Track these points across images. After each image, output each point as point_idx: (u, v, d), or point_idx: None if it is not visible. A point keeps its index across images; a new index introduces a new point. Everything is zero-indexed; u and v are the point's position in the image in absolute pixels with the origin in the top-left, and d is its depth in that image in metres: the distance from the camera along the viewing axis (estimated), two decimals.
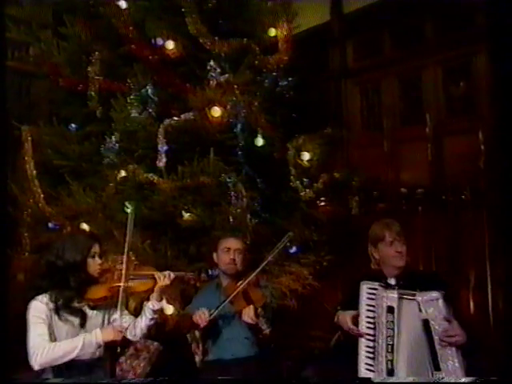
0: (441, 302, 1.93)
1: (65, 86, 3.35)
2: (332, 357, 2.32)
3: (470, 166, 3.18)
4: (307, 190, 3.14)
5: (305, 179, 3.18)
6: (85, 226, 2.93)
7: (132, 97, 3.03)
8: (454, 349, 1.89)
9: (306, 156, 3.21)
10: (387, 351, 1.98)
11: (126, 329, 1.94)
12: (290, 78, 3.36)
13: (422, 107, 3.48)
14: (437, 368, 1.89)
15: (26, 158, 3.06)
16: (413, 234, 3.30)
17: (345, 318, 2.10)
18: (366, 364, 2.03)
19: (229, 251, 2.43)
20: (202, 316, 2.22)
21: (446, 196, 3.26)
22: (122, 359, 3.07)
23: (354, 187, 3.36)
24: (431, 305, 1.93)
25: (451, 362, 1.89)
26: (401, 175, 3.55)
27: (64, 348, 1.77)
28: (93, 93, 3.09)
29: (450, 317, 1.92)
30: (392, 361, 1.96)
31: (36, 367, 1.76)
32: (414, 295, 1.97)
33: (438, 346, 1.91)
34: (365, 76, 3.80)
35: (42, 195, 3.06)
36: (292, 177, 3.13)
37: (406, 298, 1.99)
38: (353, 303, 2.13)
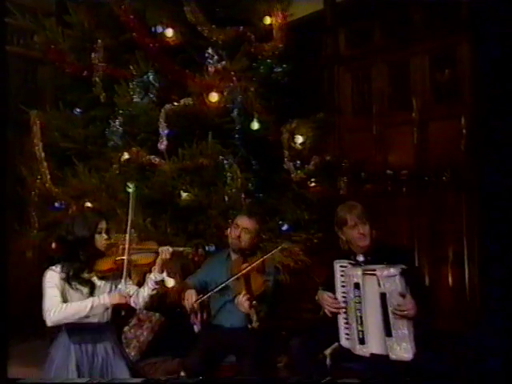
0: (398, 278, 2.06)
1: (70, 72, 3.46)
2: (321, 327, 2.54)
3: (451, 149, 3.35)
4: (299, 172, 3.27)
5: (297, 161, 3.31)
6: (89, 206, 3.08)
7: (134, 83, 3.17)
8: (405, 319, 2.06)
9: (298, 139, 3.34)
10: (357, 323, 2.18)
11: (130, 296, 2.09)
12: (284, 65, 3.46)
13: (410, 93, 3.63)
14: (388, 334, 2.09)
15: (35, 141, 3.19)
16: (396, 213, 3.52)
17: (323, 296, 2.29)
18: (345, 334, 2.25)
19: (237, 228, 2.53)
20: (188, 299, 2.36)
21: (429, 177, 3.44)
22: (126, 329, 3.26)
23: (343, 169, 3.50)
24: (389, 280, 2.07)
25: (401, 330, 2.06)
26: (387, 158, 3.71)
27: (75, 308, 1.94)
28: (97, 79, 3.21)
29: (405, 292, 2.06)
30: (363, 331, 2.16)
31: (49, 324, 1.93)
32: (374, 270, 2.12)
33: (391, 316, 2.07)
34: (356, 63, 3.93)
35: (49, 176, 3.20)
36: (285, 159, 3.26)
37: (368, 274, 2.14)
38: (331, 281, 2.32)
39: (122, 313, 2.15)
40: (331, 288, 2.31)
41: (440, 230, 3.40)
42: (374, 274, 2.12)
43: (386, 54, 3.76)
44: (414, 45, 3.61)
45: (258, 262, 2.35)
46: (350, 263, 2.26)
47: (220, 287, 2.35)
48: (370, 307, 2.15)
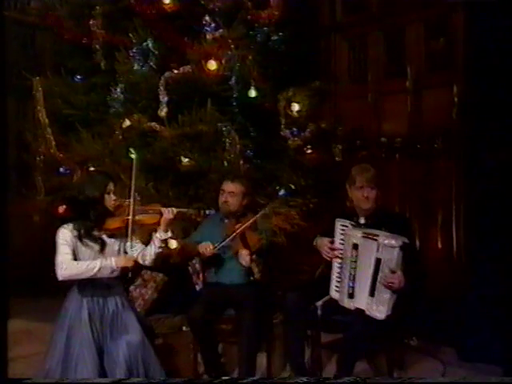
0: (397, 251, 2.18)
1: (68, 39, 3.48)
2: (316, 286, 2.69)
3: (444, 117, 3.43)
4: (295, 139, 3.35)
5: (293, 128, 3.38)
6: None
7: (134, 50, 3.20)
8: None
9: (295, 107, 3.39)
10: (349, 279, 2.35)
11: (137, 256, 2.22)
12: (281, 33, 3.48)
13: (404, 61, 3.67)
14: (371, 294, 2.26)
15: (38, 108, 3.24)
16: (390, 180, 3.64)
17: (322, 241, 2.46)
18: (336, 286, 2.44)
19: (223, 193, 2.66)
20: (207, 248, 2.52)
21: (421, 145, 3.55)
22: (132, 288, 3.42)
23: (338, 136, 3.59)
24: (388, 249, 2.20)
25: (383, 295, 2.22)
26: (382, 125, 3.79)
27: (83, 267, 2.06)
28: (97, 46, 3.25)
29: (396, 268, 2.19)
30: (353, 287, 2.34)
31: (60, 278, 2.06)
32: (376, 236, 2.24)
33: (378, 280, 2.23)
34: (352, 31, 3.95)
35: (53, 142, 3.27)
36: (282, 126, 3.33)
37: (369, 238, 2.28)
38: (330, 235, 2.48)
39: (128, 274, 2.27)
40: None
41: (430, 196, 3.52)
42: (376, 240, 2.24)
43: (382, 22, 3.78)
44: (409, 13, 3.63)
45: (251, 221, 2.49)
46: (351, 224, 2.39)
47: (224, 243, 2.48)
48: (363, 267, 2.31)
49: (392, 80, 3.79)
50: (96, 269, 2.06)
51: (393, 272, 2.19)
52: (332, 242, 2.43)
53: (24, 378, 1.96)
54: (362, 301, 2.31)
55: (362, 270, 2.31)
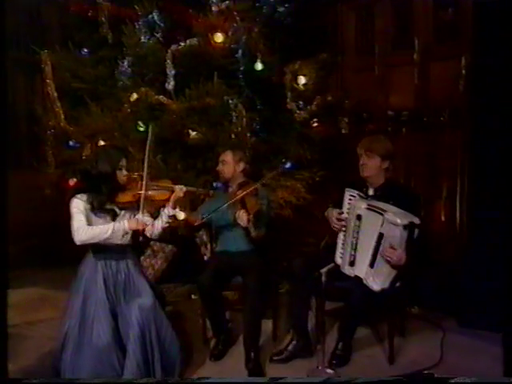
0: (400, 229, 2.19)
1: (74, 11, 3.49)
2: (319, 256, 2.75)
3: (451, 90, 3.43)
4: (302, 112, 3.36)
5: (300, 101, 3.39)
6: (102, 144, 3.25)
7: (140, 23, 3.20)
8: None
9: (301, 80, 3.39)
10: (351, 248, 2.43)
11: (147, 225, 2.27)
12: (287, 5, 3.45)
13: (412, 33, 3.64)
14: (371, 266, 2.32)
15: (47, 81, 3.27)
16: (396, 153, 3.65)
17: (332, 212, 2.53)
18: (340, 253, 2.52)
19: (219, 163, 2.80)
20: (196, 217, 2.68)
21: (428, 118, 3.55)
22: (142, 258, 3.53)
23: (345, 109, 3.60)
24: (391, 227, 2.22)
25: (382, 269, 2.28)
26: (389, 98, 3.78)
27: (98, 230, 2.13)
28: (103, 18, 3.25)
29: (399, 245, 2.21)
30: (354, 256, 2.42)
31: (78, 243, 2.14)
32: (383, 211, 2.27)
33: (379, 253, 2.28)
34: (359, 1, 3.91)
35: (63, 116, 3.32)
36: (288, 99, 3.34)
37: (375, 211, 2.31)
38: (341, 205, 2.53)
39: (139, 238, 2.34)
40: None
41: (435, 169, 3.55)
42: (382, 214, 2.27)
43: None
44: None
45: (251, 188, 2.58)
46: (358, 194, 2.45)
47: (220, 208, 2.58)
48: (365, 238, 2.37)
49: (399, 52, 3.76)
50: (110, 231, 2.14)
51: (394, 248, 2.23)
52: (341, 214, 2.48)
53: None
54: (361, 270, 2.38)
55: (364, 241, 2.37)
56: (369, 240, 2.34)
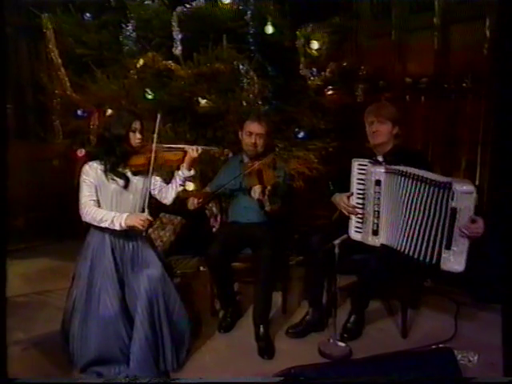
0: (474, 196, 2.01)
1: None
2: (333, 229, 2.69)
3: (474, 53, 3.24)
4: (315, 78, 3.25)
5: (313, 68, 3.26)
6: (110, 112, 3.16)
7: None
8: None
9: (314, 45, 3.27)
10: (374, 216, 2.32)
11: (150, 219, 2.12)
12: None
13: None
14: (447, 247, 2.08)
15: (50, 47, 3.17)
16: (413, 121, 3.51)
17: (341, 198, 2.42)
18: (356, 227, 2.41)
19: (251, 135, 2.59)
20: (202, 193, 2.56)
21: (449, 84, 3.38)
22: (150, 231, 3.51)
23: (360, 76, 3.45)
24: (463, 197, 2.01)
25: (461, 246, 2.06)
26: (407, 64, 3.61)
27: (99, 217, 2.07)
28: None
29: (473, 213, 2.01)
30: (378, 224, 2.31)
31: (83, 219, 2.11)
32: (418, 176, 2.11)
33: (455, 230, 2.05)
34: None
35: (68, 83, 3.23)
36: (301, 65, 3.22)
37: (393, 173, 2.22)
38: (344, 178, 2.42)
39: (142, 234, 2.25)
40: (342, 185, 2.42)
41: (455, 140, 3.40)
42: (415, 179, 2.13)
43: None
44: None
45: (269, 158, 2.46)
46: (370, 162, 2.35)
47: (232, 180, 2.48)
48: (387, 203, 2.27)
49: (417, 15, 3.56)
50: (108, 222, 2.07)
51: (474, 221, 2.04)
52: (350, 194, 2.39)
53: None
54: (387, 237, 2.29)
55: (386, 205, 2.28)
56: (391, 204, 2.24)
